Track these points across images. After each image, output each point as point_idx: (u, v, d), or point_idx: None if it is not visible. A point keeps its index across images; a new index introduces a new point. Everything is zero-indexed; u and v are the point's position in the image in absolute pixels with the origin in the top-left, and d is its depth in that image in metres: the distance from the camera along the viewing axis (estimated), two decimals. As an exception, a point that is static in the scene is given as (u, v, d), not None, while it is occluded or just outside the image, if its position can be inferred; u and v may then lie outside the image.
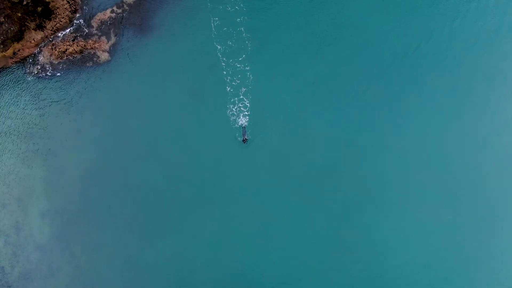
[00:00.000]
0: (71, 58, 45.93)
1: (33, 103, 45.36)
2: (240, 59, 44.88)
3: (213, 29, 45.15)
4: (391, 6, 45.76)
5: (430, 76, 44.70)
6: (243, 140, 43.82)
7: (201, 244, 43.82)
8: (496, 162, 44.04)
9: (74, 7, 46.27)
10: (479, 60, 44.82)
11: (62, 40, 46.11)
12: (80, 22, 46.47)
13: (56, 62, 45.86)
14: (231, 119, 44.59)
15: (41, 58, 45.88)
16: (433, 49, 44.93)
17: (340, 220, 43.73)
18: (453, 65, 44.80)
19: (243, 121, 44.14)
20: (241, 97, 44.58)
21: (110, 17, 46.52)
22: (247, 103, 44.48)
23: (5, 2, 43.40)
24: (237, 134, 44.22)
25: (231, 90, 44.66)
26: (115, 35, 46.26)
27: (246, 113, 44.19)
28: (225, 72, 44.74)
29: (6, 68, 45.43)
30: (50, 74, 45.63)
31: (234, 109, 44.53)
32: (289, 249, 43.53)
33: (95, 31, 46.43)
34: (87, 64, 45.92)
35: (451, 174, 43.92)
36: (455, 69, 44.73)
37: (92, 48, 45.99)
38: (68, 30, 46.40)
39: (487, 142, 44.42)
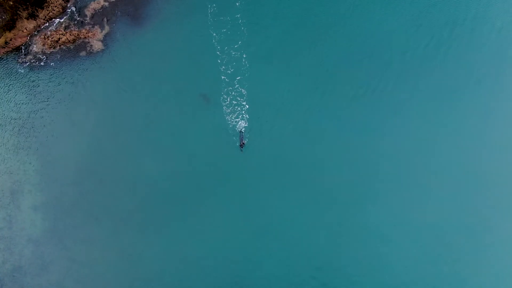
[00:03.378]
0: (64, 47, 44.85)
1: (25, 94, 44.40)
2: (235, 46, 43.38)
3: (209, 16, 43.72)
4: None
5: (432, 75, 43.07)
6: (241, 145, 42.39)
7: (196, 239, 42.67)
8: (495, 160, 42.53)
9: (67, -5, 45.22)
10: (487, 60, 43.10)
11: (55, 29, 45.01)
12: (73, 11, 45.36)
13: (49, 52, 44.78)
14: (225, 110, 43.29)
15: (33, 48, 44.83)
16: (440, 48, 43.33)
17: (340, 219, 42.35)
18: (459, 64, 43.15)
19: (240, 121, 42.72)
20: (236, 86, 43.16)
21: (103, 6, 45.32)
22: (243, 91, 43.04)
23: (-4, -10, 42.55)
24: (231, 132, 42.96)
25: (226, 79, 43.27)
26: (109, 24, 45.05)
27: (243, 103, 42.77)
28: (219, 61, 43.37)
29: (-3, 57, 44.57)
30: (43, 64, 44.60)
31: (228, 99, 43.21)
32: (288, 248, 42.30)
33: (89, 20, 45.26)
34: (81, 54, 44.80)
35: (451, 173, 42.37)
36: (460, 69, 43.05)
37: (85, 37, 44.86)
38: (61, 19, 45.28)
39: (487, 140, 42.81)
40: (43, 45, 44.70)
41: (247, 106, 43.08)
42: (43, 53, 44.70)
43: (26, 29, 44.66)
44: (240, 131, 42.51)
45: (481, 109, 42.75)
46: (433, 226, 41.82)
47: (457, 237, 41.73)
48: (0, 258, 43.47)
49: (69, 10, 45.22)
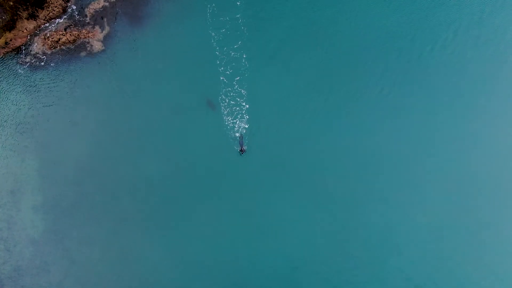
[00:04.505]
0: (64, 48, 44.76)
1: (25, 94, 44.32)
2: (235, 46, 43.11)
3: (209, 16, 43.49)
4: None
5: (437, 78, 42.63)
6: (241, 151, 42.06)
7: (196, 240, 42.55)
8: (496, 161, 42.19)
9: (67, -5, 45.10)
10: (492, 64, 42.56)
11: (55, 30, 44.93)
12: (73, 11, 45.25)
13: (49, 52, 44.71)
14: (223, 111, 42.99)
15: (33, 48, 44.77)
16: (444, 51, 42.73)
17: (342, 220, 42.17)
18: (463, 67, 42.65)
19: (239, 122, 42.30)
20: (236, 86, 42.84)
21: (103, 6, 45.18)
22: (243, 91, 42.73)
23: (-4, -9, 42.49)
24: (229, 133, 42.67)
25: (225, 80, 43.00)
26: (109, 24, 44.92)
27: (243, 103, 42.46)
28: (218, 62, 43.11)
29: (-3, 58, 44.52)
30: (43, 64, 44.55)
31: (226, 100, 42.90)
32: (290, 249, 42.16)
33: (89, 20, 45.14)
34: (81, 54, 44.71)
35: (453, 174, 42.06)
36: (464, 72, 42.59)
37: (85, 37, 44.75)
38: (61, 20, 45.19)
39: (490, 143, 42.45)
40: (43, 45, 44.63)
41: (247, 106, 42.80)
42: (43, 53, 44.64)
43: (26, 30, 44.60)
44: (240, 137, 42.11)
45: (485, 112, 42.30)
46: (434, 226, 41.54)
47: (458, 237, 41.38)
48: (0, 259, 43.46)
49: (69, 10, 45.13)
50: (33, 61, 44.51)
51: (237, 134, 42.40)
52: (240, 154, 41.96)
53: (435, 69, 42.60)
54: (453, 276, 41.06)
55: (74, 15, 45.10)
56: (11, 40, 44.36)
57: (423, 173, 42.23)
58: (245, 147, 42.02)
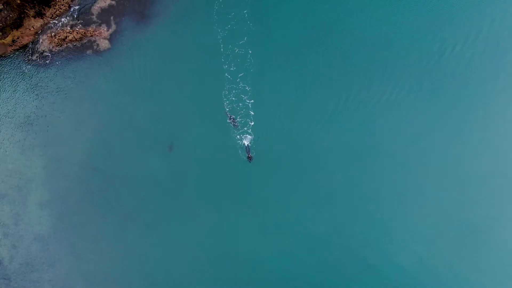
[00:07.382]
0: (70, 45, 45.09)
1: (32, 92, 44.69)
2: (241, 42, 43.08)
3: (215, 13, 43.62)
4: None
5: (447, 82, 41.64)
6: (248, 158, 41.98)
7: (201, 238, 42.55)
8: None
9: (74, -7, 45.52)
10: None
11: (62, 28, 45.30)
12: (80, 9, 45.57)
13: (56, 50, 45.07)
14: (226, 109, 43.03)
15: (40, 46, 45.15)
16: (458, 56, 41.55)
17: (346, 220, 41.82)
18: (475, 72, 41.44)
19: (244, 120, 42.35)
20: (240, 84, 42.79)
21: (110, 4, 45.51)
22: (248, 88, 42.68)
23: (4, -11, 42.94)
24: (234, 131, 42.74)
25: (229, 77, 43.04)
26: (116, 23, 45.22)
27: (247, 101, 42.55)
28: (223, 59, 43.08)
29: (5, 56, 44.85)
30: (49, 62, 44.88)
31: (230, 97, 42.85)
32: (294, 250, 42.03)
33: (95, 18, 45.48)
34: (87, 52, 45.00)
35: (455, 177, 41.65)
36: (477, 77, 41.39)
37: (92, 35, 45.05)
38: (67, 17, 45.56)
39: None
40: (50, 43, 45.01)
41: (252, 101, 42.82)
42: (50, 51, 45.00)
43: (33, 28, 45.01)
44: (247, 145, 42.08)
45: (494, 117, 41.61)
46: (437, 225, 41.37)
47: (458, 236, 41.26)
48: (7, 255, 43.73)
49: (76, 8, 45.46)
50: (39, 59, 44.88)
51: (238, 137, 42.42)
52: (249, 161, 41.91)
53: (456, 72, 41.69)
54: (454, 275, 40.98)
55: (80, 13, 45.44)
56: (18, 38, 44.79)
57: (438, 177, 41.75)
58: (251, 154, 41.86)
